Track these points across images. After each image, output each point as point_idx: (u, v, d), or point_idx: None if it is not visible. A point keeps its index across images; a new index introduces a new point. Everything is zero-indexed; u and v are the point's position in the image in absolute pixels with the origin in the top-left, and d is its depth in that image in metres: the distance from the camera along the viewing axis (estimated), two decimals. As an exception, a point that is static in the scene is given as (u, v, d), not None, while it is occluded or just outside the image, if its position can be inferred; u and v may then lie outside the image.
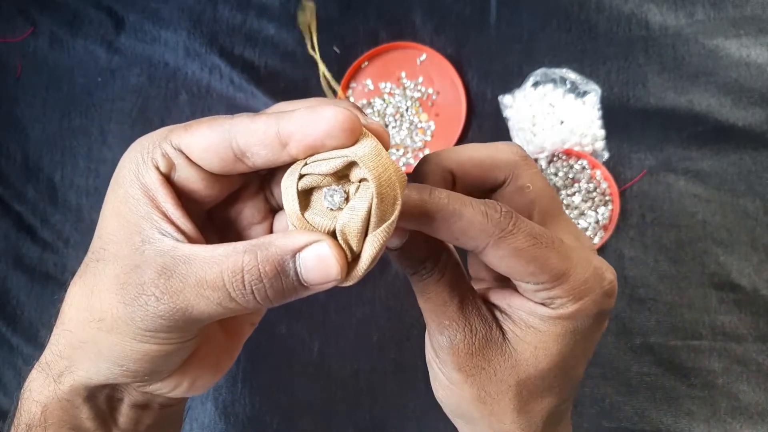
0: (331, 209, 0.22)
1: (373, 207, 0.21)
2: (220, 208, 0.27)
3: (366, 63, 0.62)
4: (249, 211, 0.28)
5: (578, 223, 0.54)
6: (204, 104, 0.63)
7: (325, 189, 0.22)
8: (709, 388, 0.52)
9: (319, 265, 0.22)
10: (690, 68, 0.56)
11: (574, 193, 0.55)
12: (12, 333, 0.61)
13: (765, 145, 0.54)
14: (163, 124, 0.63)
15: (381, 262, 0.60)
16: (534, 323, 0.26)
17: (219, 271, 0.21)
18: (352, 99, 0.62)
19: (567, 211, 0.55)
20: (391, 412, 0.56)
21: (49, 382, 0.27)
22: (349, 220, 0.22)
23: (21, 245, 0.63)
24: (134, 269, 0.23)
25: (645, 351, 0.53)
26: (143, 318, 0.22)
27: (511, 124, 0.58)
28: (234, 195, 0.27)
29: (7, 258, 0.63)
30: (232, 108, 0.63)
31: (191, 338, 0.25)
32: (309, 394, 0.57)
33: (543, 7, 0.60)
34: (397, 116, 0.61)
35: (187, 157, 0.24)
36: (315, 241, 0.22)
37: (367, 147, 0.21)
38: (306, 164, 0.22)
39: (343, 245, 0.22)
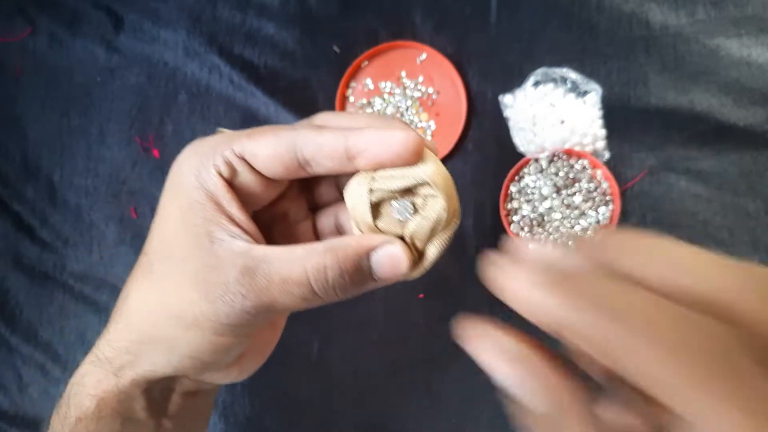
0: (400, 219, 0.26)
1: (442, 217, 0.26)
2: (265, 209, 0.29)
3: (366, 62, 0.62)
4: (294, 211, 0.30)
5: (579, 223, 0.54)
6: (203, 103, 0.63)
7: (395, 203, 0.26)
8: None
9: (391, 262, 0.26)
10: (691, 68, 0.56)
11: (574, 193, 0.55)
12: (11, 333, 0.61)
13: (766, 144, 0.54)
14: (162, 123, 0.63)
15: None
16: None
17: (303, 269, 0.24)
18: (351, 99, 0.62)
19: (567, 211, 0.55)
20: (391, 412, 0.56)
21: (107, 376, 0.28)
22: (419, 227, 0.26)
23: (20, 245, 0.62)
24: (213, 269, 0.25)
25: (646, 351, 0.53)
26: (228, 314, 0.25)
27: (511, 124, 0.58)
28: (279, 196, 0.30)
29: (5, 258, 0.62)
30: (232, 107, 0.62)
31: (260, 328, 0.27)
32: (309, 394, 0.57)
33: (543, 7, 0.60)
34: (397, 116, 0.61)
35: (248, 164, 0.26)
36: (387, 242, 0.26)
37: (433, 168, 0.25)
38: (374, 179, 0.26)
39: (411, 247, 0.26)
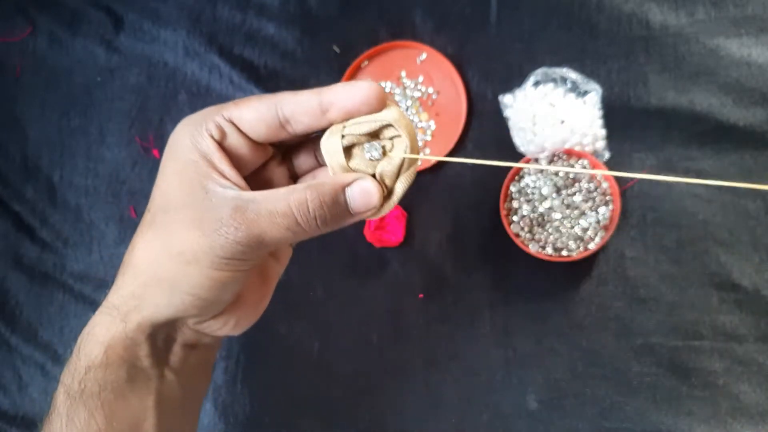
0: (371, 160, 0.30)
1: (406, 155, 0.29)
2: (251, 177, 0.32)
3: (366, 62, 0.62)
4: (277, 178, 0.34)
5: (579, 223, 0.54)
6: (203, 103, 0.63)
7: (366, 144, 0.30)
8: (710, 388, 0.52)
9: (364, 195, 0.29)
10: (691, 68, 0.56)
11: (574, 193, 0.55)
12: (11, 333, 0.61)
13: (766, 144, 0.54)
14: (162, 123, 0.63)
15: (381, 262, 0.60)
16: None
17: (287, 202, 0.28)
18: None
19: (568, 211, 0.55)
20: (391, 412, 0.56)
21: (115, 323, 0.30)
22: (388, 166, 0.29)
23: (20, 245, 0.63)
24: (208, 210, 0.28)
25: (646, 351, 0.53)
26: (223, 245, 0.28)
27: (511, 124, 0.58)
28: (263, 166, 0.33)
29: (6, 258, 0.62)
30: (232, 107, 0.62)
31: (252, 267, 0.30)
32: (309, 395, 0.57)
33: (543, 7, 0.60)
34: (397, 116, 0.61)
35: (236, 128, 0.30)
36: (360, 178, 0.29)
37: (396, 113, 0.29)
38: (345, 127, 0.29)
39: (381, 184, 0.30)
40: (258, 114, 0.29)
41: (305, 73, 0.62)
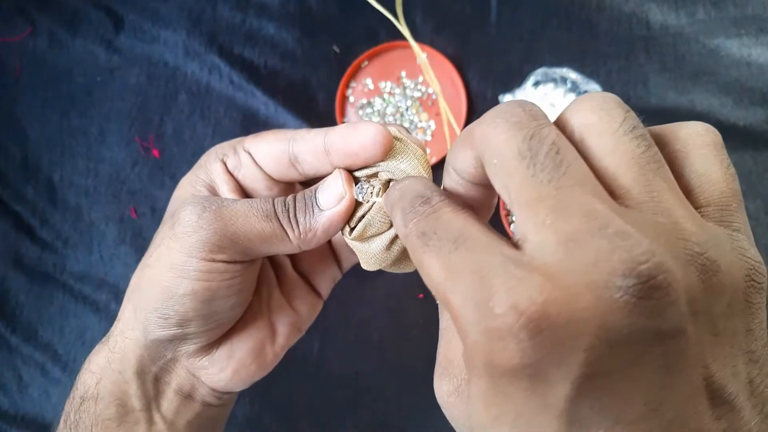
0: (358, 199, 0.28)
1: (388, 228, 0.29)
2: None
3: (366, 62, 0.62)
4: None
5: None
6: (203, 103, 0.63)
7: (359, 184, 0.28)
8: None
9: (328, 185, 0.27)
10: (691, 68, 0.56)
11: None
12: (11, 333, 0.61)
13: (766, 144, 0.54)
14: (162, 123, 0.63)
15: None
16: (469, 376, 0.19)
17: (266, 197, 0.28)
18: (351, 99, 0.62)
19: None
20: (391, 413, 0.56)
21: (106, 352, 0.29)
22: (371, 223, 0.28)
23: (20, 245, 0.62)
24: (181, 205, 0.28)
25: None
26: (193, 245, 0.26)
27: (511, 124, 0.58)
28: None
29: (6, 258, 0.62)
30: (232, 107, 0.62)
31: (231, 277, 0.28)
32: (309, 395, 0.57)
33: (543, 7, 0.59)
34: (397, 116, 0.61)
35: (253, 159, 0.30)
36: (330, 176, 0.28)
37: (413, 163, 0.27)
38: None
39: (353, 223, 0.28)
40: (271, 148, 0.29)
41: (305, 73, 0.62)
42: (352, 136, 0.26)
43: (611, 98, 0.19)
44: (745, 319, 0.17)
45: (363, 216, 0.28)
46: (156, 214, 0.62)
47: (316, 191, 0.28)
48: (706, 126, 0.20)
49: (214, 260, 0.27)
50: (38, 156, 0.64)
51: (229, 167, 0.30)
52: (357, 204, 0.28)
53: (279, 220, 0.27)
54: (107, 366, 0.29)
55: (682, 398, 0.16)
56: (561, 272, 0.15)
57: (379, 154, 0.26)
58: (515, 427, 0.16)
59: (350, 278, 0.59)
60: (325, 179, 0.28)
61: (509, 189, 0.17)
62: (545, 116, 0.18)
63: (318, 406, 0.57)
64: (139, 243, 0.61)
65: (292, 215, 0.27)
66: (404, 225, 0.20)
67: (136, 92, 0.64)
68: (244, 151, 0.30)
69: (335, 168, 0.28)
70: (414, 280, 0.58)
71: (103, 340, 0.30)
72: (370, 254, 0.29)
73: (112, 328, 0.30)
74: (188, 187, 0.31)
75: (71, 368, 0.59)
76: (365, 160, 0.27)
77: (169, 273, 0.27)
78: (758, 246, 0.58)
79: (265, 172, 0.30)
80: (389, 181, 0.28)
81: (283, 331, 0.33)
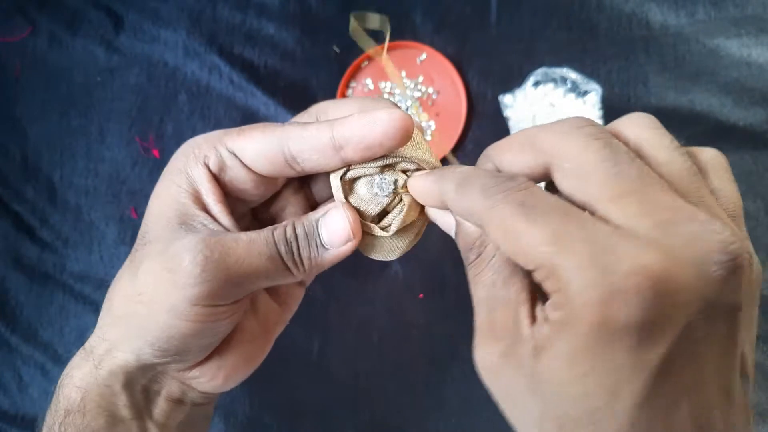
0: (377, 195, 0.26)
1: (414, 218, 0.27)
2: (264, 207, 0.30)
3: (366, 62, 0.62)
4: (292, 208, 0.30)
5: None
6: (203, 104, 0.63)
7: (377, 177, 0.26)
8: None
9: (331, 226, 0.26)
10: (691, 68, 0.56)
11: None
12: (11, 333, 0.61)
13: (766, 144, 0.54)
14: (162, 123, 0.63)
15: (381, 262, 0.60)
16: (552, 338, 0.20)
17: (269, 231, 0.26)
18: (352, 98, 0.62)
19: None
20: (391, 413, 0.56)
21: (90, 367, 0.28)
22: (394, 221, 0.26)
23: (20, 245, 0.62)
24: (174, 241, 0.25)
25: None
26: (189, 285, 0.24)
27: (511, 124, 0.58)
28: (277, 194, 0.30)
29: (5, 258, 0.62)
30: (232, 107, 0.62)
31: (232, 314, 0.27)
32: (309, 395, 0.57)
33: (544, 7, 0.59)
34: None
35: (239, 160, 0.27)
36: (331, 208, 0.26)
37: (421, 149, 0.25)
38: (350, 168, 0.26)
39: (357, 215, 0.26)
40: (261, 148, 0.26)
41: (305, 73, 0.62)
42: (371, 127, 0.24)
43: (655, 120, 0.22)
44: (755, 308, 0.21)
45: (387, 211, 0.26)
46: (156, 214, 0.62)
47: (318, 227, 0.26)
48: (718, 152, 0.23)
49: (216, 305, 0.26)
50: (38, 156, 0.64)
51: (213, 170, 0.27)
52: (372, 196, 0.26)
53: (283, 260, 0.26)
54: (93, 381, 0.27)
55: (733, 367, 0.19)
56: (667, 247, 0.18)
57: (403, 142, 0.24)
58: (604, 381, 0.18)
59: (350, 278, 0.59)
60: (327, 212, 0.26)
61: (588, 188, 0.20)
62: (608, 132, 0.22)
63: (318, 406, 0.57)
64: (139, 243, 0.61)
65: (296, 254, 0.26)
66: (489, 198, 0.21)
67: (136, 92, 0.64)
68: (228, 151, 0.27)
69: (344, 165, 0.26)
70: (414, 280, 0.58)
71: (83, 353, 0.28)
72: (396, 246, 0.27)
73: (93, 342, 0.28)
74: (167, 199, 0.27)
75: (71, 368, 0.59)
76: (387, 150, 0.25)
77: (168, 315, 0.25)
78: (758, 246, 0.58)
79: (253, 172, 0.27)
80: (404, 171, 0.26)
81: (272, 327, 0.32)
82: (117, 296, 0.27)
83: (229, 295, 0.26)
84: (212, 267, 0.24)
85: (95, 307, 0.60)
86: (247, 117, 0.62)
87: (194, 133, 0.62)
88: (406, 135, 0.24)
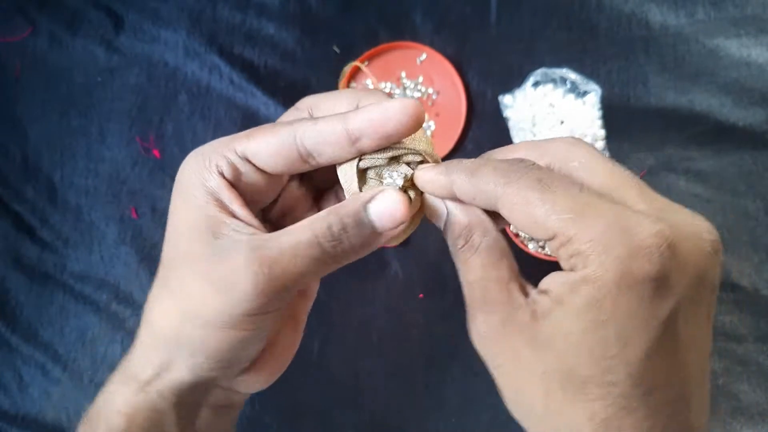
0: (389, 184, 0.27)
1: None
2: (272, 205, 0.30)
3: (366, 63, 0.62)
4: (300, 203, 0.31)
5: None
6: (204, 104, 0.63)
7: (387, 169, 0.27)
8: (710, 388, 0.52)
9: (387, 209, 0.26)
10: (690, 68, 0.56)
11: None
12: (11, 333, 0.61)
13: (765, 144, 0.54)
14: (162, 123, 0.63)
15: (381, 262, 0.60)
16: (563, 296, 0.22)
17: (311, 230, 0.25)
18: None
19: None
20: (391, 413, 0.56)
21: (134, 391, 0.27)
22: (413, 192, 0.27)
23: (20, 245, 0.62)
24: (221, 260, 0.25)
25: (645, 351, 0.53)
26: (242, 299, 0.24)
27: (511, 124, 0.58)
28: (282, 190, 0.30)
29: (6, 258, 0.62)
30: (232, 107, 0.62)
31: (280, 315, 0.27)
32: (309, 395, 0.57)
33: (543, 7, 0.60)
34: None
35: (251, 164, 0.27)
36: (381, 191, 0.26)
37: (425, 142, 0.27)
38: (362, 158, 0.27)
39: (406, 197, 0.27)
40: (274, 148, 0.26)
41: (305, 74, 0.62)
42: (390, 118, 0.25)
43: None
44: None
45: None
46: (156, 214, 0.62)
47: (369, 213, 0.26)
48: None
49: (268, 312, 0.26)
50: (38, 156, 0.64)
51: (229, 178, 0.27)
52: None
53: (330, 257, 0.26)
54: (140, 405, 0.27)
55: (709, 339, 0.23)
56: (672, 222, 0.21)
57: (416, 129, 0.25)
58: (619, 330, 0.21)
59: (350, 278, 0.59)
60: (377, 196, 0.26)
61: (594, 178, 0.24)
62: None
63: (318, 406, 0.57)
64: (139, 243, 0.61)
65: (345, 245, 0.26)
66: (504, 176, 0.23)
67: (136, 92, 0.64)
68: (239, 156, 0.27)
69: (358, 155, 0.26)
70: (414, 280, 0.58)
71: (121, 378, 0.28)
72: (405, 233, 0.28)
73: (135, 366, 0.28)
74: (192, 213, 0.27)
75: (71, 368, 0.59)
76: (400, 137, 0.25)
77: (225, 331, 0.25)
78: (758, 246, 0.58)
79: (265, 173, 0.27)
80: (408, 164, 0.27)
81: (301, 315, 0.33)
82: (161, 318, 0.27)
83: (282, 301, 0.26)
84: (264, 281, 0.24)
85: (95, 307, 0.61)
86: (247, 117, 0.62)
87: (194, 133, 0.63)
88: (419, 122, 0.25)
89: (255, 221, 0.27)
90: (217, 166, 0.27)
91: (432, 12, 0.62)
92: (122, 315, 0.60)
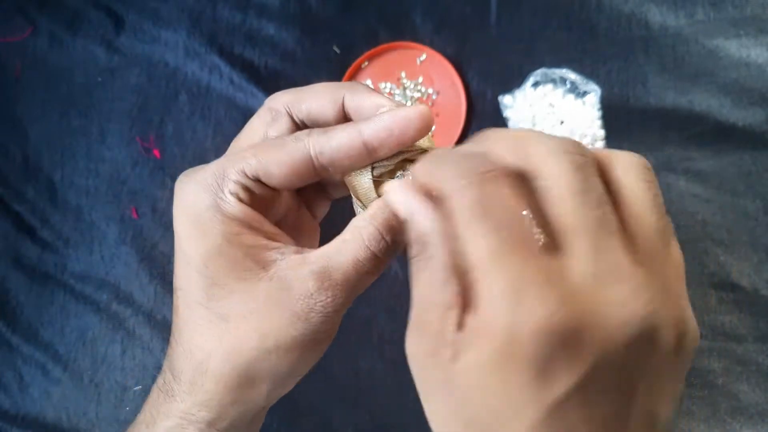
0: None
1: None
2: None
3: (366, 63, 0.62)
4: (292, 206, 0.30)
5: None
6: (204, 104, 0.63)
7: (399, 173, 0.27)
8: (709, 388, 0.52)
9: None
10: (690, 68, 0.56)
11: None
12: (11, 333, 0.61)
13: (765, 145, 0.54)
14: (163, 123, 0.63)
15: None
16: (469, 341, 0.21)
17: (364, 246, 0.25)
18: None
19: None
20: (391, 412, 0.56)
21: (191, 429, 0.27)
22: None
23: (20, 245, 0.63)
24: (287, 290, 0.25)
25: (645, 351, 0.53)
26: (324, 321, 0.25)
27: (511, 125, 0.58)
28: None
29: (6, 258, 0.62)
30: (232, 108, 0.63)
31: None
32: (309, 394, 0.57)
33: (543, 7, 0.60)
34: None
35: (261, 182, 0.26)
36: (394, 184, 0.25)
37: (427, 140, 0.27)
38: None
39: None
40: (287, 166, 0.26)
41: (306, 74, 0.62)
42: (409, 126, 0.25)
43: (648, 168, 0.22)
44: (675, 379, 0.22)
45: None
46: (157, 214, 0.62)
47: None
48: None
49: (339, 323, 0.27)
50: (39, 156, 0.64)
51: (245, 201, 0.26)
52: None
53: (384, 264, 0.27)
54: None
55: (632, 421, 0.20)
56: (588, 303, 0.19)
57: (426, 134, 0.26)
58: (509, 398, 0.19)
59: (350, 278, 0.59)
60: (392, 189, 0.25)
61: (553, 211, 0.20)
62: (594, 162, 0.21)
63: (318, 406, 0.57)
64: (139, 243, 0.61)
65: (399, 247, 0.26)
66: (452, 180, 0.21)
67: (136, 92, 0.64)
68: (251, 179, 0.26)
69: (373, 162, 0.26)
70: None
71: (177, 420, 0.27)
72: None
73: (189, 403, 0.27)
74: (222, 247, 0.25)
75: (72, 368, 0.59)
76: (412, 143, 0.26)
77: (305, 352, 0.26)
78: (758, 245, 0.58)
79: (275, 190, 0.27)
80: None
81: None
82: (220, 360, 0.26)
83: (346, 309, 0.27)
84: (339, 303, 0.25)
85: (96, 307, 0.61)
86: (248, 117, 0.61)
87: (195, 133, 0.63)
88: (431, 126, 0.25)
89: (287, 237, 0.27)
90: (233, 194, 0.26)
91: (432, 12, 0.62)
92: (122, 315, 0.60)
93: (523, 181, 0.21)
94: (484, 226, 0.19)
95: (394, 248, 0.26)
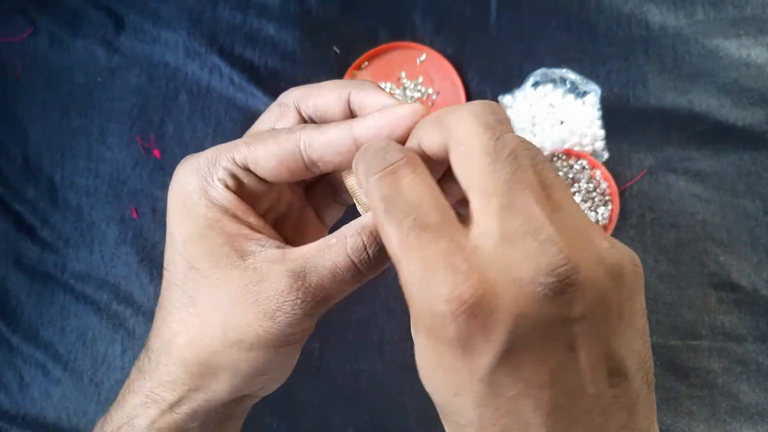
0: None
1: None
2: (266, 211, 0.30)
3: (366, 63, 0.62)
4: (295, 200, 0.30)
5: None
6: (204, 104, 0.63)
7: None
8: (709, 388, 0.52)
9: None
10: (690, 68, 0.56)
11: (573, 193, 0.55)
12: (12, 333, 0.61)
13: (765, 145, 0.55)
14: (163, 123, 0.63)
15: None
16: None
17: (346, 254, 0.25)
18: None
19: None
20: (391, 412, 0.56)
21: (163, 414, 0.27)
22: None
23: (21, 245, 0.63)
24: (260, 284, 0.25)
25: (645, 351, 0.53)
26: (291, 323, 0.25)
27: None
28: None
29: (6, 258, 0.63)
30: (232, 108, 0.63)
31: (310, 330, 0.27)
32: (309, 394, 0.57)
33: (543, 7, 0.60)
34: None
35: (251, 172, 0.26)
36: None
37: None
38: None
39: None
40: (276, 157, 0.25)
41: (306, 74, 0.63)
42: (400, 124, 0.24)
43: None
44: (638, 300, 0.21)
45: None
46: (157, 214, 0.62)
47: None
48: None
49: (311, 328, 0.27)
50: (39, 156, 0.64)
51: (233, 189, 0.26)
52: None
53: (365, 277, 0.26)
54: (166, 426, 0.27)
55: (583, 370, 0.19)
56: (495, 267, 0.19)
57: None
58: (448, 380, 0.20)
59: (350, 278, 0.59)
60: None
61: (469, 176, 0.20)
62: (509, 121, 0.21)
63: (318, 406, 0.57)
64: (139, 243, 0.61)
65: (380, 263, 0.26)
66: (366, 178, 0.21)
67: (136, 92, 0.64)
68: (240, 167, 0.26)
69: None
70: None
71: (142, 399, 0.27)
72: None
73: (157, 390, 0.27)
74: (204, 230, 0.25)
75: (72, 368, 0.59)
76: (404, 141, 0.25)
77: (268, 352, 0.25)
78: (758, 246, 0.58)
79: (266, 182, 0.27)
80: None
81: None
82: (188, 344, 0.26)
83: (319, 315, 0.26)
84: (310, 306, 0.25)
85: (96, 307, 0.61)
86: (248, 117, 0.62)
87: (195, 133, 0.63)
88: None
89: (271, 230, 0.27)
90: (220, 180, 0.26)
91: (432, 12, 0.62)
92: (122, 315, 0.60)
93: (434, 162, 0.22)
94: (390, 219, 0.20)
95: (376, 264, 0.26)
